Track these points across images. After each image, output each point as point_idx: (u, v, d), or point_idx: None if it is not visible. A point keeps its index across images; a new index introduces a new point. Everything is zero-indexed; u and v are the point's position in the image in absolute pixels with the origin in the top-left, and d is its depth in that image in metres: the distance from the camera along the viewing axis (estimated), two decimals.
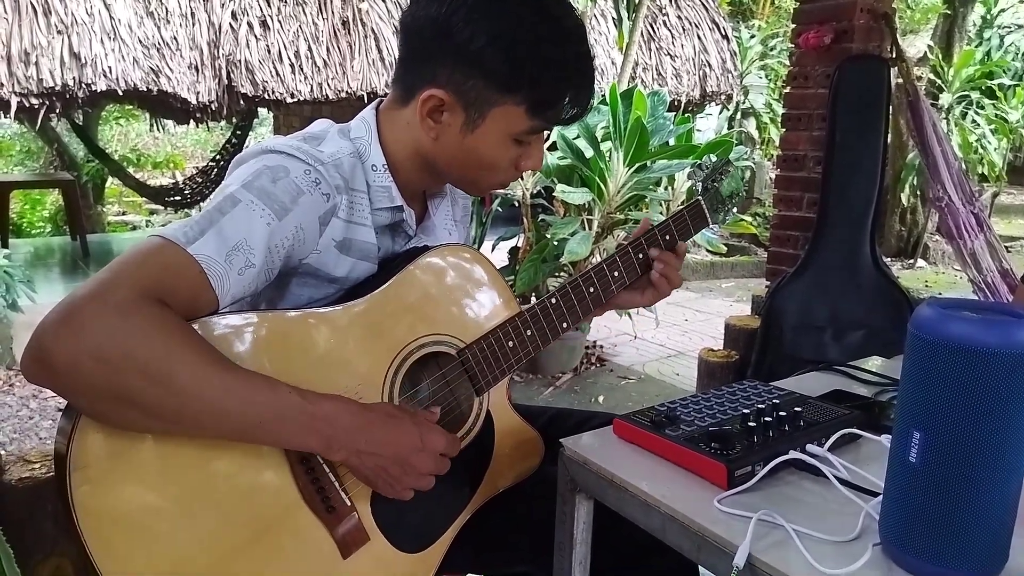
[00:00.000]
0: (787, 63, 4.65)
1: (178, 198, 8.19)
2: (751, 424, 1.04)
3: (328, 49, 5.21)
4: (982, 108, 8.14)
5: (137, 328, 0.86)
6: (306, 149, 1.09)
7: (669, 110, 4.35)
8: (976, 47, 9.16)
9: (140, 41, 4.73)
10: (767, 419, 1.05)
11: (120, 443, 0.89)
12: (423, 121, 1.12)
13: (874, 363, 1.50)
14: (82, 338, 0.84)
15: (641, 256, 1.31)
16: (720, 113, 8.06)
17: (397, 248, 1.23)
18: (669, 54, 6.42)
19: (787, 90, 3.49)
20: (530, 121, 1.11)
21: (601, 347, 4.90)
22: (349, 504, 1.06)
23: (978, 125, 7.96)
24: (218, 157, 8.29)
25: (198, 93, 4.90)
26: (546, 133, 1.22)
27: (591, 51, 1.15)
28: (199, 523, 0.94)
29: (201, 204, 8.26)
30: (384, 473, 1.02)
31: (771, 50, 9.72)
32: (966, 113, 8.05)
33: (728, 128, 8.79)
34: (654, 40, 6.37)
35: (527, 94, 1.09)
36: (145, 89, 4.73)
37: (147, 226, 10.18)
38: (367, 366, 1.09)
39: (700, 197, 1.40)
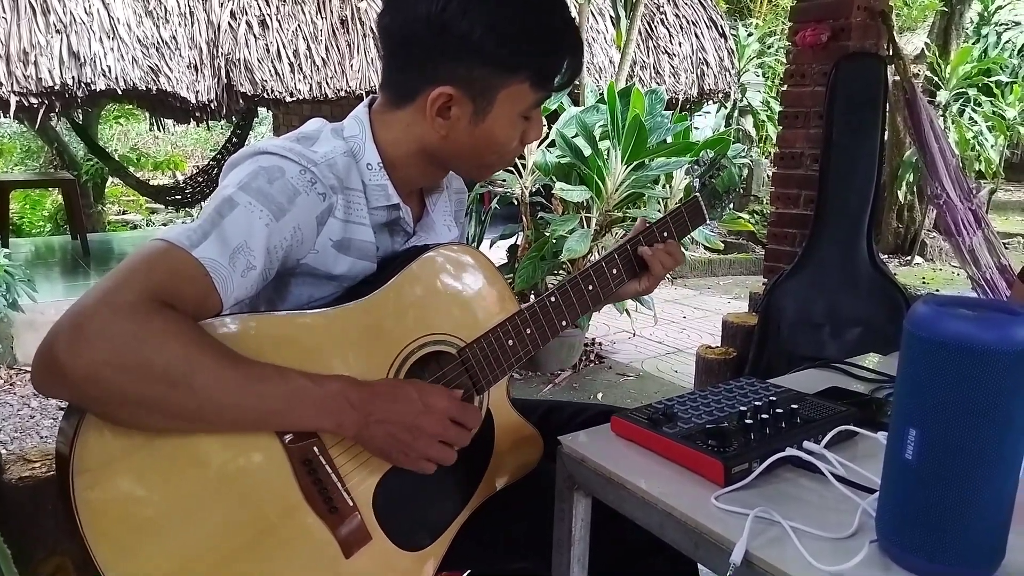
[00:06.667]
0: (784, 61, 4.66)
1: (179, 197, 8.17)
2: (748, 421, 1.04)
3: (327, 48, 5.20)
4: (979, 105, 8.14)
5: (153, 333, 0.87)
6: (299, 150, 1.09)
7: (667, 108, 4.36)
8: (973, 44, 9.15)
9: (139, 40, 4.72)
10: (764, 416, 1.05)
11: (123, 446, 0.89)
12: (433, 121, 1.13)
13: (871, 360, 1.50)
14: (98, 347, 0.84)
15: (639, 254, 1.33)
16: (718, 111, 8.05)
17: (396, 246, 1.24)
18: (667, 52, 6.42)
19: (784, 88, 3.49)
20: (535, 94, 1.14)
21: (600, 344, 4.91)
22: (351, 504, 1.06)
23: (975, 122, 7.96)
24: (218, 156, 8.29)
25: (197, 92, 4.89)
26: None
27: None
28: (202, 524, 0.94)
29: (202, 203, 8.26)
30: (395, 441, 1.04)
31: (768, 48, 9.72)
32: (963, 110, 8.05)
33: (726, 126, 8.78)
34: (652, 38, 6.36)
35: (530, 70, 1.11)
36: (144, 88, 4.72)
37: (147, 225, 10.17)
38: (368, 366, 1.09)
39: (698, 194, 1.41)
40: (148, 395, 0.86)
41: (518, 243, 4.48)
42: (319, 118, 1.22)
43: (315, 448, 1.03)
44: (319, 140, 1.15)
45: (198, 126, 6.05)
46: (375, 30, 5.26)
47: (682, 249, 1.37)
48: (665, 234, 1.35)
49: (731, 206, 7.79)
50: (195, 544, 0.93)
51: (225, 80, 4.96)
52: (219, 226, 0.97)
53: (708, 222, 1.45)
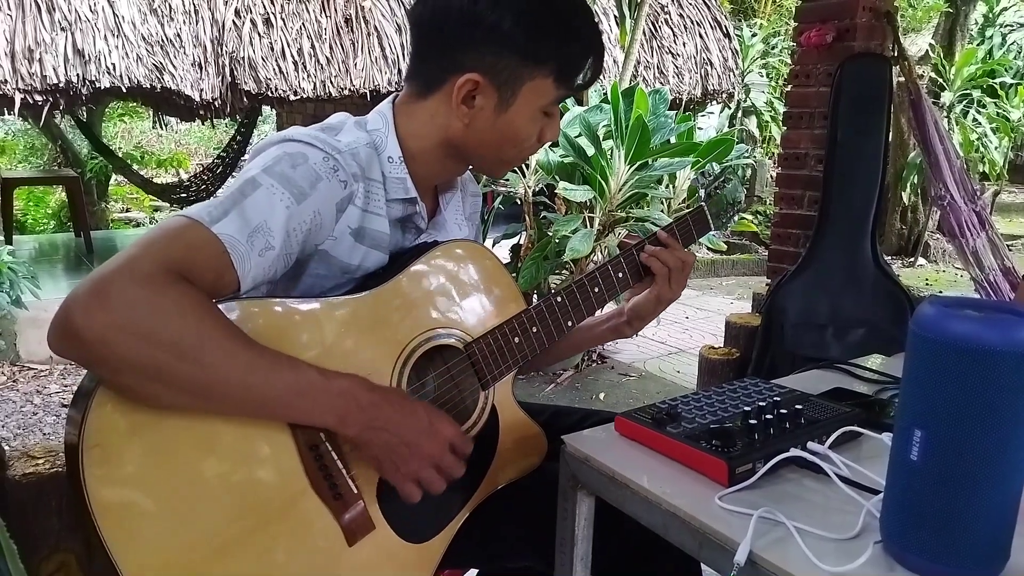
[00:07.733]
0: (789, 61, 4.65)
1: (183, 195, 8.18)
2: (752, 421, 1.04)
3: (331, 47, 5.20)
4: (983, 107, 8.13)
5: (167, 303, 0.88)
6: (323, 138, 1.11)
7: (670, 108, 4.35)
8: (978, 45, 9.14)
9: (144, 38, 4.73)
10: (768, 416, 1.05)
11: (133, 423, 0.90)
12: (457, 108, 1.15)
13: (875, 361, 1.50)
14: (112, 312, 0.85)
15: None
16: (721, 111, 8.05)
17: (406, 243, 1.25)
18: (671, 52, 6.41)
19: (788, 88, 3.48)
20: (557, 91, 1.17)
21: (602, 344, 4.90)
22: (356, 492, 1.07)
23: (979, 124, 7.95)
24: (223, 154, 8.29)
25: (201, 90, 4.89)
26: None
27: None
28: (208, 506, 0.95)
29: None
30: (392, 452, 1.04)
31: (773, 48, 9.71)
32: (967, 112, 8.04)
33: (729, 126, 8.78)
34: (656, 38, 6.36)
35: (555, 65, 1.14)
36: (149, 86, 4.72)
37: (151, 223, 10.19)
38: (375, 357, 1.10)
39: (704, 203, 1.42)
40: (156, 363, 0.87)
41: (521, 242, 4.49)
42: (343, 112, 1.25)
43: (322, 434, 1.03)
44: (343, 131, 1.18)
45: (202, 124, 6.05)
46: (379, 28, 5.30)
47: (688, 251, 1.37)
48: None
49: (736, 217, 7.81)
50: (200, 526, 0.94)
51: (229, 78, 4.97)
52: (240, 205, 0.99)
53: (714, 231, 1.46)
